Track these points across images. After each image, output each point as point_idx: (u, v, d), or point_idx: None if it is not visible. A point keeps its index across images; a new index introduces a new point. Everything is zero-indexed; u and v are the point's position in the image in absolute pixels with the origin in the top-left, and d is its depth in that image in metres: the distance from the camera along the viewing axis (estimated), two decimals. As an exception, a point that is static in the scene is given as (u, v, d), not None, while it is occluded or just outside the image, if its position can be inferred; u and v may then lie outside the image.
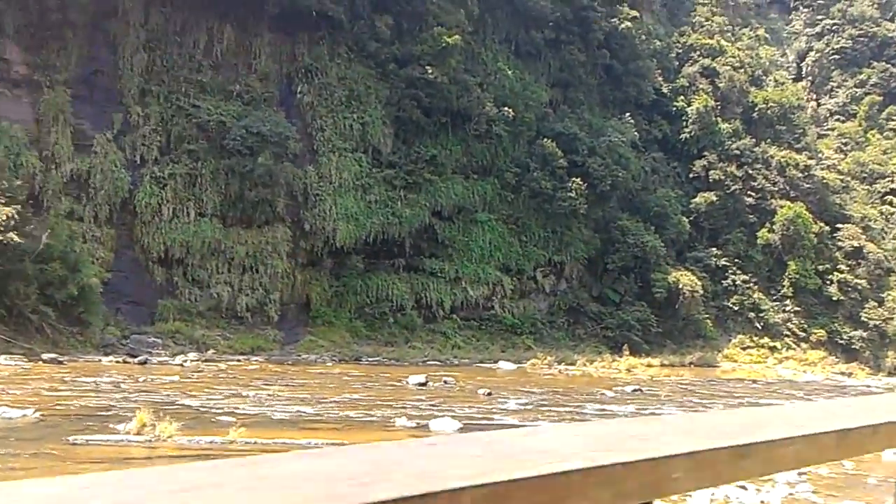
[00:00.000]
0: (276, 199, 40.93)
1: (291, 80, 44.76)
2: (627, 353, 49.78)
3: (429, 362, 41.52)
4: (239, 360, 36.47)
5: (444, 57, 46.83)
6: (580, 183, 50.92)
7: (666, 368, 51.18)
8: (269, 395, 25.91)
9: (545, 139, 51.55)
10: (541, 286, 52.26)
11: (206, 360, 33.63)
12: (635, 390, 36.88)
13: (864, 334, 61.45)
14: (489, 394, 31.67)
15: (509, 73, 52.40)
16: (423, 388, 31.83)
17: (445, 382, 33.60)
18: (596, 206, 53.34)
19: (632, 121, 56.81)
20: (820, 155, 68.00)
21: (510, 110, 49.87)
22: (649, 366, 50.25)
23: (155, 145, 40.49)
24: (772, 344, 59.08)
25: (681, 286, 54.20)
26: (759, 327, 59.58)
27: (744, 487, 17.15)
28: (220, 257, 40.62)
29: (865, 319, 61.73)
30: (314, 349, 40.29)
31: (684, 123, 62.48)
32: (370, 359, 40.87)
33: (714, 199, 60.80)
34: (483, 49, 52.49)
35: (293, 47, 44.97)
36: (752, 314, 59.72)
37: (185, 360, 32.58)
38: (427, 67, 46.33)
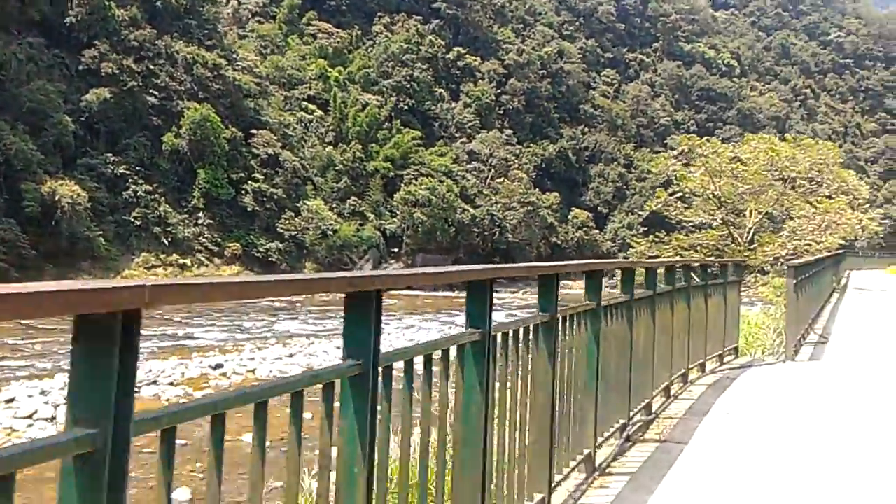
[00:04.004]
0: None
1: None
2: (-17, 283, 39.49)
3: None
4: None
5: None
6: None
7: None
8: None
9: None
10: None
11: None
12: None
13: (282, 245, 59.52)
14: None
15: None
16: None
17: None
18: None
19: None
20: (235, 56, 63.36)
21: None
22: (10, 297, 40.72)
23: None
24: (182, 261, 53.49)
25: (58, 198, 44.93)
26: (168, 243, 53.46)
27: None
28: None
29: (282, 230, 59.76)
30: None
31: (69, 5, 52.01)
32: None
33: (109, 96, 52.08)
34: None
35: None
36: (158, 229, 53.20)
37: None
38: None
